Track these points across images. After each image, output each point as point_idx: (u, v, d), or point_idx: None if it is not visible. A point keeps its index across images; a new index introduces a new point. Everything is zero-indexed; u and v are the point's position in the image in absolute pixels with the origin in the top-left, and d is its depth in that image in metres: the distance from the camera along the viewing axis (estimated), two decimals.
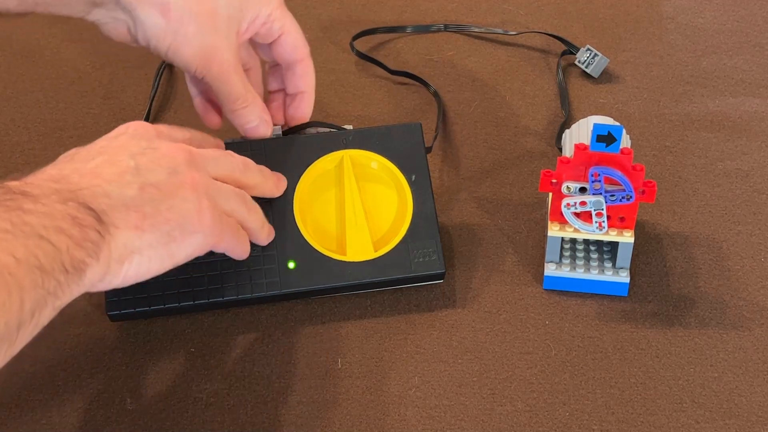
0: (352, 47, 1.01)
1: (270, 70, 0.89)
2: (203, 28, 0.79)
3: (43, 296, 0.61)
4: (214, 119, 0.86)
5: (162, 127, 0.76)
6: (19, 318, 0.59)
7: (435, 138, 0.91)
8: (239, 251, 0.77)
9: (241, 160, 0.78)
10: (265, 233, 0.79)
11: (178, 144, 0.73)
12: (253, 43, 0.86)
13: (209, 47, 0.79)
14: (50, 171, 0.67)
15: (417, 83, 0.99)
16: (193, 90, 0.86)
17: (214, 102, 0.86)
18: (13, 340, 0.60)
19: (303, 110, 0.86)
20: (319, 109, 0.97)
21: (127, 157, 0.70)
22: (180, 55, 0.79)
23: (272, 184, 0.81)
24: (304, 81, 0.86)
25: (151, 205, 0.68)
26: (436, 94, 0.97)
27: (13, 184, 0.64)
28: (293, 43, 0.84)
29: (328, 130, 0.86)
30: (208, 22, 0.79)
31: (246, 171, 0.78)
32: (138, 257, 0.68)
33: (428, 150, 0.86)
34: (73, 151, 0.71)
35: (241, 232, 0.76)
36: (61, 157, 0.70)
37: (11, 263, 0.59)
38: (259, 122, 0.83)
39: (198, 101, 0.87)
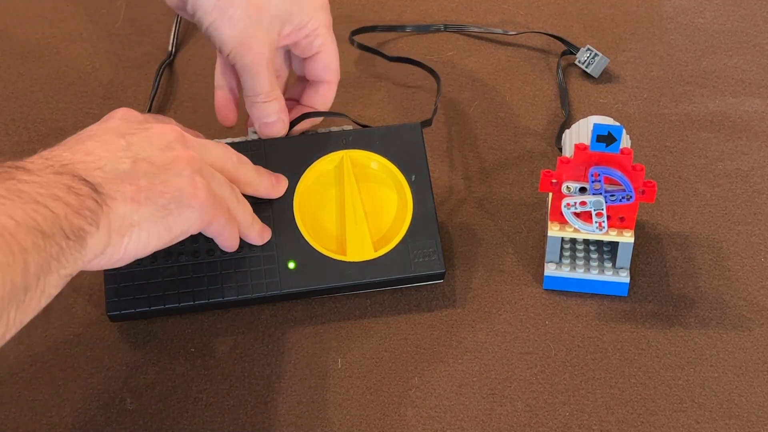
0: (352, 41, 1.00)
1: (295, 83, 0.89)
2: (250, 16, 0.79)
3: (47, 260, 0.61)
4: (230, 116, 0.87)
5: (149, 115, 0.76)
6: (25, 280, 0.59)
7: (434, 112, 0.89)
8: (229, 239, 0.77)
9: (234, 153, 0.78)
10: (255, 231, 0.79)
11: (169, 125, 0.74)
12: (289, 53, 0.87)
13: (249, 36, 0.80)
14: (42, 152, 0.67)
15: (417, 72, 0.99)
16: (220, 80, 0.86)
17: (234, 99, 0.86)
18: (21, 301, 0.60)
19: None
20: None
21: (118, 136, 0.70)
22: (220, 34, 0.80)
23: (267, 184, 0.81)
24: (322, 100, 0.86)
25: (145, 178, 0.69)
26: (433, 72, 0.96)
27: (7, 161, 0.64)
28: (327, 64, 0.85)
29: (328, 130, 0.86)
30: (256, 13, 0.79)
31: (239, 165, 0.78)
32: (137, 231, 0.68)
33: (427, 123, 0.86)
34: (64, 140, 0.71)
35: (233, 219, 0.76)
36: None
37: (11, 225, 0.59)
38: (276, 119, 0.83)
39: (220, 94, 0.87)
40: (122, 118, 0.73)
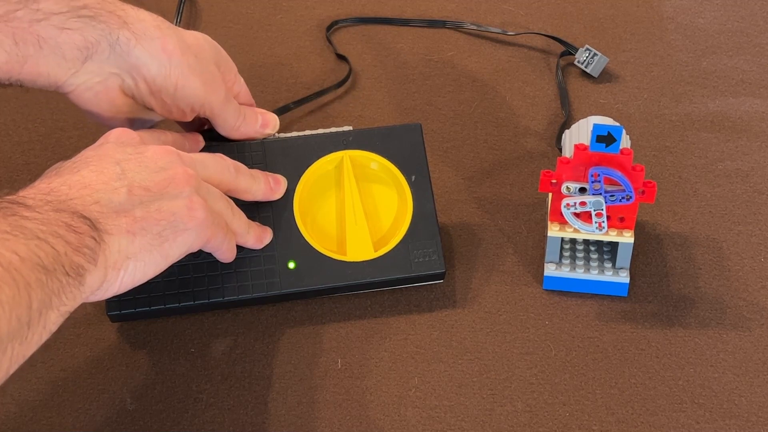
0: (329, 39, 1.01)
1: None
2: (200, 58, 0.78)
3: (49, 296, 0.61)
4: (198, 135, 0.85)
5: (144, 133, 0.76)
6: (29, 315, 0.60)
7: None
8: (227, 252, 0.77)
9: (231, 163, 0.78)
10: (252, 237, 0.79)
11: (164, 146, 0.73)
12: None
13: (210, 74, 0.79)
14: (39, 185, 0.67)
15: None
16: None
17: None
18: (24, 336, 0.60)
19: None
20: (320, 109, 0.98)
21: (113, 163, 0.69)
22: (190, 87, 0.78)
23: (265, 188, 0.80)
24: (246, 98, 0.86)
25: (141, 207, 0.69)
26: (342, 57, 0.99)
27: (7, 196, 0.64)
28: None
29: (328, 130, 0.86)
30: (197, 53, 0.79)
31: (237, 175, 0.78)
32: (133, 263, 0.68)
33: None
34: (57, 164, 0.70)
35: (230, 233, 0.76)
36: (47, 172, 0.70)
37: (16, 260, 0.59)
38: (261, 117, 0.84)
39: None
40: (116, 141, 0.72)
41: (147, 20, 0.76)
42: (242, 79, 0.84)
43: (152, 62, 0.76)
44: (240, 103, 0.83)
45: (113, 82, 0.77)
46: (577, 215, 0.79)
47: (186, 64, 0.77)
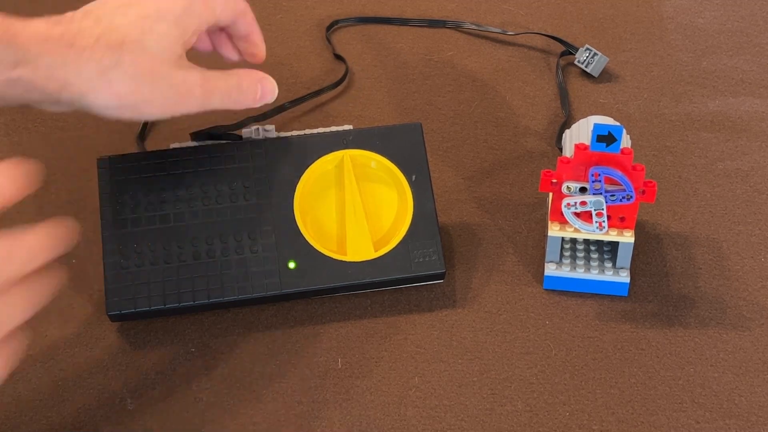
0: (329, 39, 1.01)
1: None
2: (155, 77, 0.73)
3: None
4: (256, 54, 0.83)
5: None
6: None
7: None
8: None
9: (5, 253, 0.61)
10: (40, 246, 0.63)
11: None
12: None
13: (172, 91, 0.74)
14: None
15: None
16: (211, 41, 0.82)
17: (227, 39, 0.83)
18: None
19: (261, 48, 0.82)
20: (320, 108, 0.98)
21: None
22: (152, 113, 0.76)
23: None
24: (260, 45, 0.83)
25: None
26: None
27: None
28: (242, 22, 0.81)
29: (328, 129, 0.86)
30: (154, 77, 0.73)
31: (12, 261, 0.61)
32: None
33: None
34: None
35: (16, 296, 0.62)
36: None
37: None
38: (261, 87, 0.80)
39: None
40: None
41: (88, 69, 0.71)
42: (249, 15, 0.80)
43: (106, 107, 0.73)
44: (246, 45, 0.81)
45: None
46: (577, 215, 0.79)
47: (139, 100, 0.73)
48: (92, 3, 0.74)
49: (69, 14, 0.73)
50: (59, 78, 0.70)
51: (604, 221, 0.78)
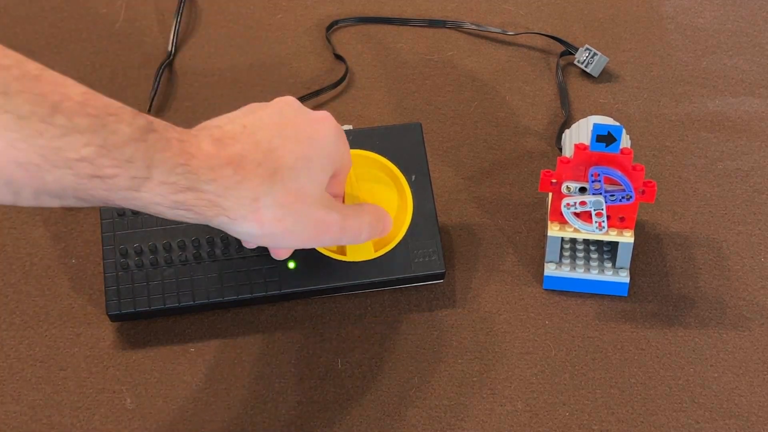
0: (328, 38, 1.01)
1: None
2: (299, 214, 0.70)
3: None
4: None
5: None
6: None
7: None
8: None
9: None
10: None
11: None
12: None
13: (312, 225, 0.71)
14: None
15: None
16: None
17: None
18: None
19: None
20: (320, 108, 0.97)
21: None
22: (289, 244, 0.75)
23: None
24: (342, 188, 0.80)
25: None
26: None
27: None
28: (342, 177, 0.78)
29: None
30: (300, 209, 0.70)
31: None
32: None
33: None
34: None
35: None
36: None
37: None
38: (368, 215, 0.77)
39: None
40: None
41: (244, 195, 0.67)
42: (345, 174, 0.78)
43: (248, 234, 0.70)
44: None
45: None
46: (577, 215, 0.79)
47: (281, 230, 0.70)
48: (247, 116, 0.70)
49: (229, 128, 0.68)
50: (218, 204, 0.66)
51: (603, 221, 0.78)
